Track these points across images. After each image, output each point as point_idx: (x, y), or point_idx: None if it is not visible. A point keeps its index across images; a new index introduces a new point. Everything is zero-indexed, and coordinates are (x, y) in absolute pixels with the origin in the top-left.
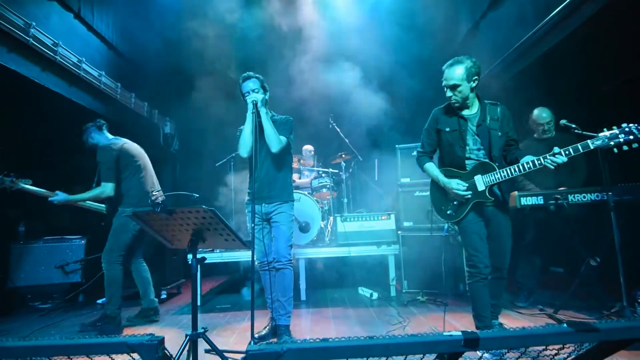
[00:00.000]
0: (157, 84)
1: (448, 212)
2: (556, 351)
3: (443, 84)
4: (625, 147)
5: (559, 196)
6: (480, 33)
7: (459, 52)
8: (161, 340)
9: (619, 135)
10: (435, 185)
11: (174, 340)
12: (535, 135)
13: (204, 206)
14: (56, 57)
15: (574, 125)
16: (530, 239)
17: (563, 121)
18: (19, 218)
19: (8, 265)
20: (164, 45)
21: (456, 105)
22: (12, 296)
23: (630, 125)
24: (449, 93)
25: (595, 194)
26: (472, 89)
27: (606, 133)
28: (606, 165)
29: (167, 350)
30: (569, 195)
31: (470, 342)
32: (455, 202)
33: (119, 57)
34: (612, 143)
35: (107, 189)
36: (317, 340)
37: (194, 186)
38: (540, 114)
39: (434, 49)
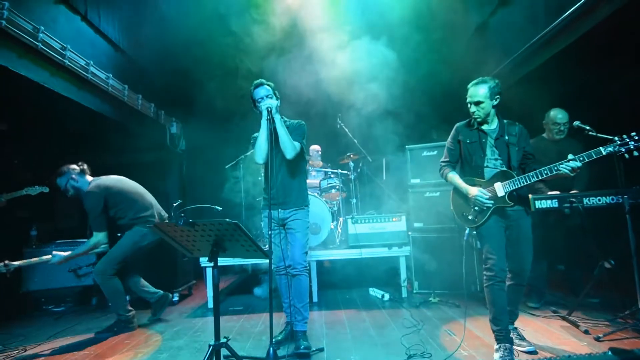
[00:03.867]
0: (163, 85)
1: (469, 218)
2: None
3: (467, 101)
4: (635, 153)
5: (574, 199)
6: (489, 32)
7: (466, 52)
8: None
9: (629, 143)
10: (457, 192)
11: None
12: (544, 135)
13: (227, 219)
14: (65, 60)
15: (588, 127)
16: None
17: (577, 123)
18: (30, 221)
19: (21, 269)
20: (169, 46)
21: (478, 120)
22: (26, 300)
23: None
24: (472, 109)
25: (611, 197)
26: (493, 106)
27: (616, 141)
28: (621, 166)
29: None
30: (584, 199)
31: None
32: (476, 208)
33: (125, 58)
34: (622, 149)
35: (100, 238)
36: None
37: (201, 186)
38: (557, 114)
39: (439, 48)
